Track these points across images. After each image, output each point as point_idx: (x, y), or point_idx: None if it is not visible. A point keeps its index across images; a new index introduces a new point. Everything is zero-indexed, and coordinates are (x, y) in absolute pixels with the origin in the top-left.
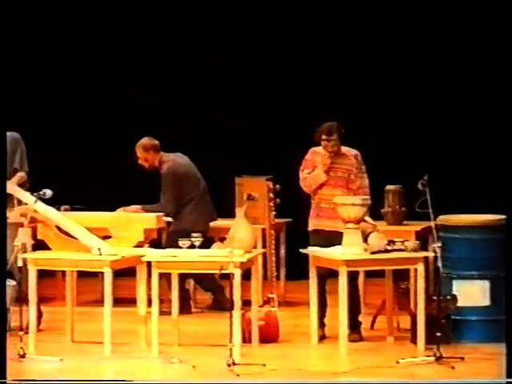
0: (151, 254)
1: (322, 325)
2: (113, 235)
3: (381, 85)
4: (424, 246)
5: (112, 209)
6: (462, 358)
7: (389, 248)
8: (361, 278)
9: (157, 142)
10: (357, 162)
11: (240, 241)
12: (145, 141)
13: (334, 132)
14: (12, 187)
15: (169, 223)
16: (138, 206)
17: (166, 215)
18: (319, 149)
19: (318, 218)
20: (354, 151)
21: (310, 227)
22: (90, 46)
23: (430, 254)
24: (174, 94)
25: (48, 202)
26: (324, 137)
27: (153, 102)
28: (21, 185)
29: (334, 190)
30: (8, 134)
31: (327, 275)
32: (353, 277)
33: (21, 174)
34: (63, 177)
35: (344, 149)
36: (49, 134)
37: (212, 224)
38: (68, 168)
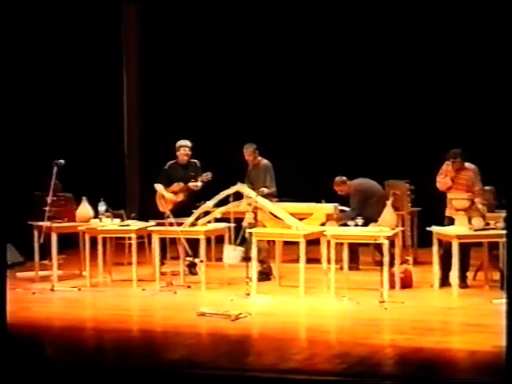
0: (330, 230)
1: (444, 277)
2: (306, 218)
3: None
4: None
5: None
6: None
7: (485, 227)
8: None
9: (345, 178)
10: (474, 174)
11: (388, 222)
12: (340, 178)
13: (458, 157)
14: (244, 188)
15: (341, 210)
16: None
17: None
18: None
19: (449, 208)
20: (473, 166)
21: (446, 213)
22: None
23: None
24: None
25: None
26: (451, 159)
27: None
28: (267, 196)
29: (457, 192)
30: (265, 161)
31: (450, 247)
32: (466, 247)
33: (266, 190)
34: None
35: (466, 164)
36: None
37: None
38: (281, 174)
